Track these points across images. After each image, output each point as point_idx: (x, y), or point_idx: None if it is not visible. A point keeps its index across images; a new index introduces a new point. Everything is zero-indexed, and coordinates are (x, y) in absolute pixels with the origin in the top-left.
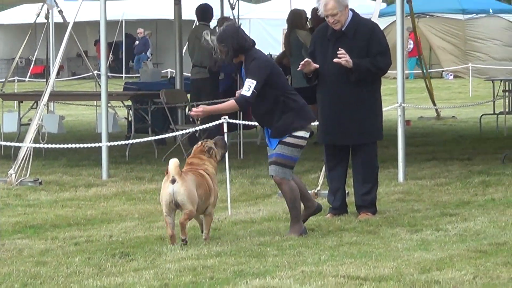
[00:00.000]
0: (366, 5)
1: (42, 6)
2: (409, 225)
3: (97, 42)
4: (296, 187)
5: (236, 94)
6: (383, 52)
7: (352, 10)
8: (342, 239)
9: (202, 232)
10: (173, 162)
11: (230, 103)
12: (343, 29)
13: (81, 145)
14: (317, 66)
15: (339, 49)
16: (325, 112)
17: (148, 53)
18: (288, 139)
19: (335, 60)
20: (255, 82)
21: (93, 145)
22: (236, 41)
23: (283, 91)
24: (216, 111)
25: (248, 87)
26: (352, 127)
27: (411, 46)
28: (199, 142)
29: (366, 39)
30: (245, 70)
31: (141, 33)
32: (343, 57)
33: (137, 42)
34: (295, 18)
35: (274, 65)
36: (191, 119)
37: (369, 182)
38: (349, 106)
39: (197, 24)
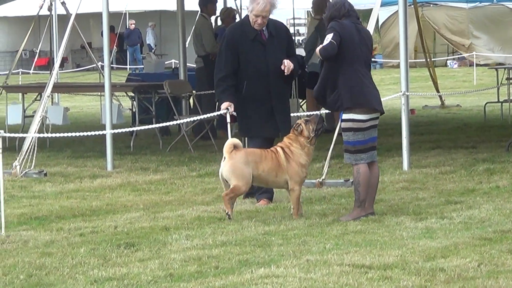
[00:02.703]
0: None
1: None
2: (414, 213)
3: None
4: (365, 173)
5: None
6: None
7: None
8: (347, 228)
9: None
10: (228, 141)
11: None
12: (264, 29)
13: (85, 133)
14: None
15: (284, 62)
16: (259, 107)
17: (152, 44)
18: (342, 124)
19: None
20: (331, 34)
21: (97, 133)
22: (331, 11)
23: (344, 63)
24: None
25: (327, 39)
26: (284, 119)
27: None
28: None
29: (285, 38)
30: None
31: (132, 24)
32: (289, 68)
33: (132, 26)
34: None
35: (351, 33)
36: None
37: None
38: (280, 100)
39: (198, 15)
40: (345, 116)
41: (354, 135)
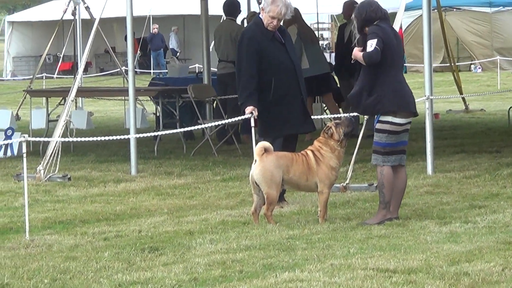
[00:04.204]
0: None
1: (69, 2)
2: (438, 217)
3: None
4: (389, 174)
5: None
6: None
7: None
8: (371, 232)
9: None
10: (259, 144)
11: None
12: (276, 29)
13: (109, 138)
14: None
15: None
16: (291, 104)
17: (176, 48)
18: (376, 125)
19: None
20: (375, 40)
21: (121, 137)
22: (367, 12)
23: (385, 68)
24: (358, 58)
25: (370, 45)
26: (309, 115)
27: None
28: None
29: (291, 40)
30: (366, 39)
31: (155, 28)
32: None
33: (155, 30)
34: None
35: (391, 39)
36: None
37: None
38: (303, 97)
39: (224, 19)
40: (383, 118)
41: (387, 137)
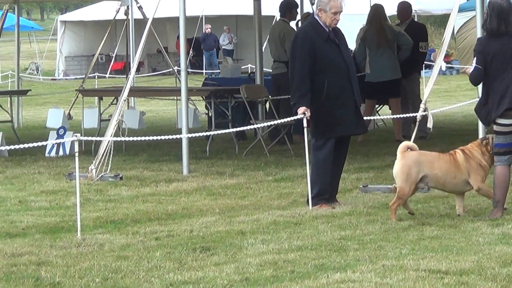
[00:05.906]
0: (445, 0)
1: (121, 2)
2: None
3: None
4: (500, 174)
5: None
6: None
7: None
8: (423, 233)
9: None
10: (403, 142)
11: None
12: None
13: (161, 137)
14: None
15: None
16: (344, 106)
17: (229, 47)
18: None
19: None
20: (475, 58)
21: (173, 136)
22: (493, 18)
23: (488, 78)
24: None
25: (472, 64)
26: (362, 117)
27: None
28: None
29: (344, 39)
30: None
31: (208, 28)
32: None
33: (208, 30)
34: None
35: (488, 50)
36: None
37: None
38: (359, 98)
39: (278, 19)
40: (498, 120)
41: (496, 138)
